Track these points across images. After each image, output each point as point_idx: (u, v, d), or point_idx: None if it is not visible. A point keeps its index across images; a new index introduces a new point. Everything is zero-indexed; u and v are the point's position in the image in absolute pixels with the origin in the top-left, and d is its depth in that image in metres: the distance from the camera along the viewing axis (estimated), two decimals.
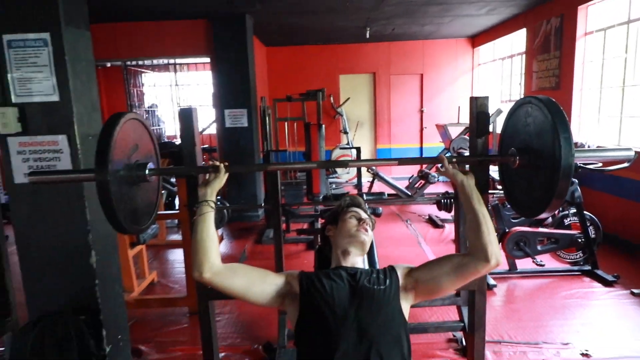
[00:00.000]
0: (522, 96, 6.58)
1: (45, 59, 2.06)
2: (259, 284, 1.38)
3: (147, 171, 1.58)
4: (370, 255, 2.16)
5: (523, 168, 1.54)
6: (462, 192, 1.42)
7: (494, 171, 4.38)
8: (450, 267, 1.37)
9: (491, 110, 1.90)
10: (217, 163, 1.46)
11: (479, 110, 1.70)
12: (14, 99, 2.10)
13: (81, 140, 2.18)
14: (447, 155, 1.58)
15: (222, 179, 1.46)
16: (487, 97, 1.71)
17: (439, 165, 1.49)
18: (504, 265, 3.80)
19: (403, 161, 1.61)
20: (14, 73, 2.08)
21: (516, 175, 1.63)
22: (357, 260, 1.54)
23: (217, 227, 3.18)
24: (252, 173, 6.01)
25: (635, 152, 1.61)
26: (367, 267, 1.64)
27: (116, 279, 2.60)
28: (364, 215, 1.61)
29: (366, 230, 1.55)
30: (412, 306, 1.44)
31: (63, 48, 2.07)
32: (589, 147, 4.57)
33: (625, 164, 3.63)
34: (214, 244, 1.36)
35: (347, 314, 1.29)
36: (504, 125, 1.68)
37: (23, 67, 2.07)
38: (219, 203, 3.89)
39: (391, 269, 1.44)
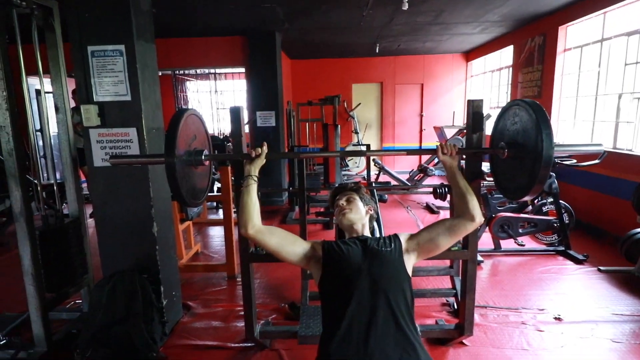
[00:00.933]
0: None
1: (120, 66, 2.15)
2: (290, 245, 1.49)
3: (203, 156, 1.66)
4: (379, 230, 2.22)
5: (510, 159, 1.58)
6: (449, 171, 1.54)
7: (484, 166, 4.38)
8: (444, 229, 1.45)
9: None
10: (262, 148, 1.57)
11: (474, 110, 1.74)
12: (95, 98, 2.20)
13: (147, 132, 2.27)
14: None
15: (263, 159, 1.57)
16: (482, 100, 1.76)
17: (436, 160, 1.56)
18: (490, 244, 3.82)
19: (411, 152, 1.67)
20: (96, 77, 2.18)
21: (504, 166, 1.68)
22: (364, 230, 1.60)
23: None
24: (277, 164, 6.05)
25: (605, 150, 1.63)
26: (376, 235, 1.71)
27: (172, 246, 2.70)
28: (342, 199, 1.66)
29: (350, 210, 1.60)
30: (413, 275, 1.51)
31: (135, 57, 2.16)
32: None
33: (597, 161, 3.61)
34: (256, 208, 1.48)
35: (361, 268, 1.37)
36: (495, 124, 1.72)
37: (103, 73, 2.16)
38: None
39: (395, 236, 1.51)
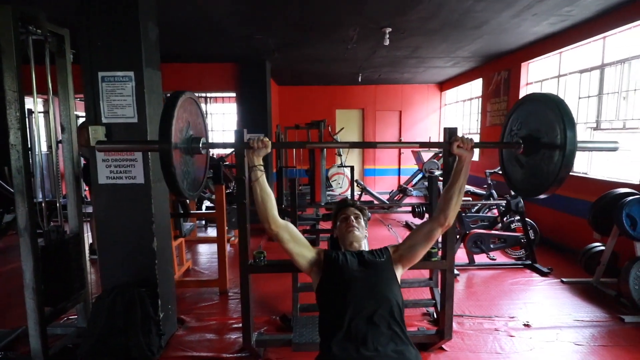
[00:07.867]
0: (479, 130, 6.82)
1: (129, 90, 2.23)
2: (302, 247, 1.54)
3: (200, 144, 1.50)
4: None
5: (525, 155, 1.45)
6: (460, 164, 1.51)
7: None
8: (421, 237, 1.57)
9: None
10: (266, 138, 1.48)
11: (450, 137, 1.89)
12: (103, 120, 2.25)
13: (152, 153, 2.31)
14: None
15: (268, 149, 1.47)
16: (456, 128, 1.90)
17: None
18: (465, 259, 3.96)
19: (423, 144, 1.51)
20: (105, 101, 2.24)
21: (516, 162, 1.57)
22: (361, 245, 1.68)
23: None
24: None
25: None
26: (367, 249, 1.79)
27: (169, 261, 2.70)
28: (349, 213, 1.69)
29: (353, 227, 1.64)
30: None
31: (143, 83, 2.23)
32: None
33: None
34: (272, 202, 1.47)
35: (357, 276, 1.46)
36: (506, 118, 1.60)
37: (112, 97, 2.23)
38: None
39: (385, 249, 1.62)
